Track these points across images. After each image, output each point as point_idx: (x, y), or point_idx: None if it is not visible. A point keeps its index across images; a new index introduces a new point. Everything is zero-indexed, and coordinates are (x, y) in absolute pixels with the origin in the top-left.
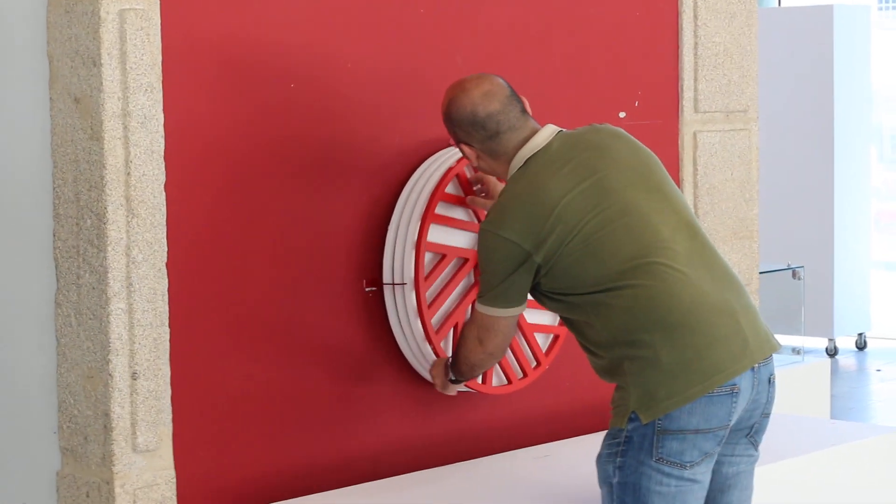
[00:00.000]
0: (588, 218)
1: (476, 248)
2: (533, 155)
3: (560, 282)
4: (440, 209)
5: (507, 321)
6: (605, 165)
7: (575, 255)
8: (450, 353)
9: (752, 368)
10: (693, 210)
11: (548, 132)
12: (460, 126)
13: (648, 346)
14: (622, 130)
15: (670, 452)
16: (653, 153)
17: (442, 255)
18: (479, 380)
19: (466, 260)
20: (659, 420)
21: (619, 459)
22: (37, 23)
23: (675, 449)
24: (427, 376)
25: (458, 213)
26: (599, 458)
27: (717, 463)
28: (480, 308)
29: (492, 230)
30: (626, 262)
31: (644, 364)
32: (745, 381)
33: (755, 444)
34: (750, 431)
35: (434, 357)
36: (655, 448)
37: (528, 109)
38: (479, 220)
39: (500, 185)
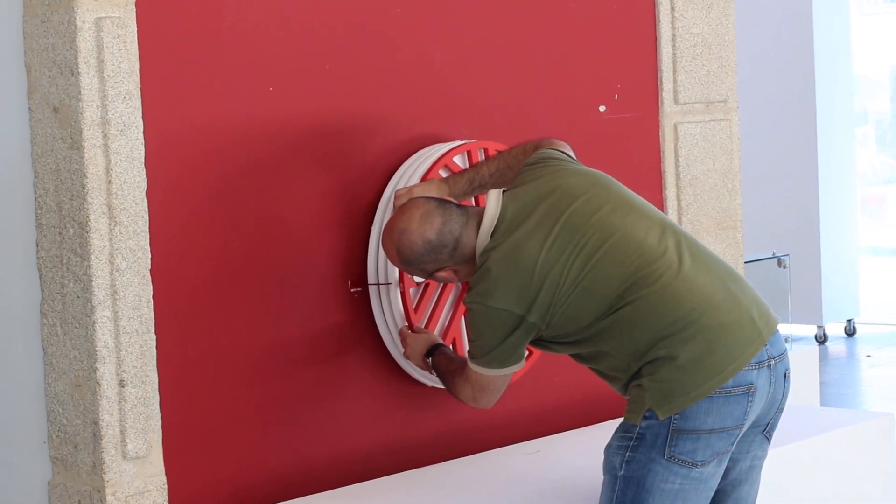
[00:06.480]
0: (571, 260)
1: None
2: (495, 226)
3: (562, 328)
4: None
5: (503, 379)
6: (566, 203)
7: (570, 300)
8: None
9: (769, 366)
10: (662, 206)
11: (493, 200)
12: (424, 260)
13: (663, 349)
14: (558, 157)
15: (682, 451)
16: (596, 170)
17: None
18: None
19: None
20: (675, 419)
21: (628, 454)
22: (13, 33)
23: (688, 448)
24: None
25: None
26: (609, 447)
27: (732, 460)
28: (475, 368)
29: (480, 302)
30: (622, 285)
31: (660, 364)
32: (761, 379)
33: (769, 439)
34: (766, 427)
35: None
36: (668, 446)
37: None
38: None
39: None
